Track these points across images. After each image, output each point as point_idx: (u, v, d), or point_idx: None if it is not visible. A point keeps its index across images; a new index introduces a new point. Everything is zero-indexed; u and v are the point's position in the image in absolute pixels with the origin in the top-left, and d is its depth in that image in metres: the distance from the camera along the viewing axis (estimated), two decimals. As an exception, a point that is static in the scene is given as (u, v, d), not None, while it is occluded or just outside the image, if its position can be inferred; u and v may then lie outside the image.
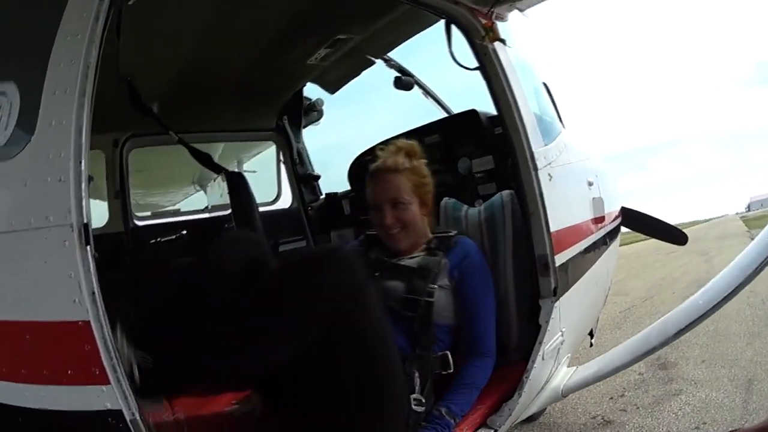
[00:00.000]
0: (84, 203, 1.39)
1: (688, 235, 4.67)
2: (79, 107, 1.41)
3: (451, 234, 2.34)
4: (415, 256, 2.26)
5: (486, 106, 3.05)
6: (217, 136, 3.87)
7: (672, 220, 4.58)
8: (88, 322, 1.36)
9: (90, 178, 1.44)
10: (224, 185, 3.02)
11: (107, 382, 1.38)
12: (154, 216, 3.80)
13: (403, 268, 2.22)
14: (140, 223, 3.49)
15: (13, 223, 1.39)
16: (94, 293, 1.37)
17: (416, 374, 1.96)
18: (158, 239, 3.47)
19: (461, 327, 2.18)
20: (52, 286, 1.39)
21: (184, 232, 3.54)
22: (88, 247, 1.38)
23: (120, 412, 1.39)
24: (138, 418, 1.42)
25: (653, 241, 5.13)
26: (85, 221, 1.38)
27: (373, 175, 2.29)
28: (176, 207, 4.33)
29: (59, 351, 1.40)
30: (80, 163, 1.40)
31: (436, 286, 2.14)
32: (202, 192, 4.33)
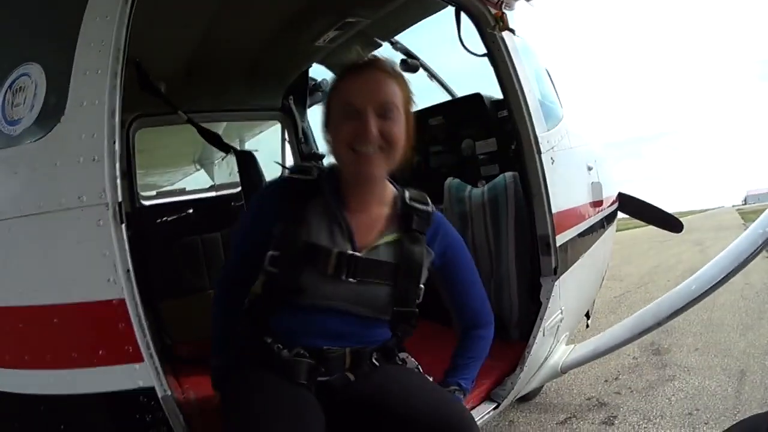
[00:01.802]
0: (118, 183, 1.40)
1: (684, 224, 4.69)
2: (112, 89, 1.42)
3: (429, 209, 1.69)
4: (390, 240, 1.63)
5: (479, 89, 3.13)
6: (223, 115, 3.88)
7: (668, 208, 4.60)
8: (123, 300, 1.37)
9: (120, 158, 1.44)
10: (232, 164, 3.06)
11: (141, 359, 1.39)
12: (159, 195, 3.82)
13: (383, 267, 1.61)
14: (147, 203, 3.54)
15: (42, 205, 1.38)
16: (129, 271, 1.39)
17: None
18: (164, 218, 3.50)
19: (455, 305, 1.81)
20: (86, 267, 1.39)
21: (191, 211, 3.58)
22: (123, 226, 1.40)
23: (152, 389, 1.41)
24: (169, 394, 1.44)
25: (648, 228, 5.10)
26: (119, 200, 1.39)
27: (354, 70, 1.55)
28: (181, 186, 4.37)
29: (91, 332, 1.40)
30: (114, 143, 1.41)
31: (423, 287, 1.68)
32: (203, 171, 4.37)
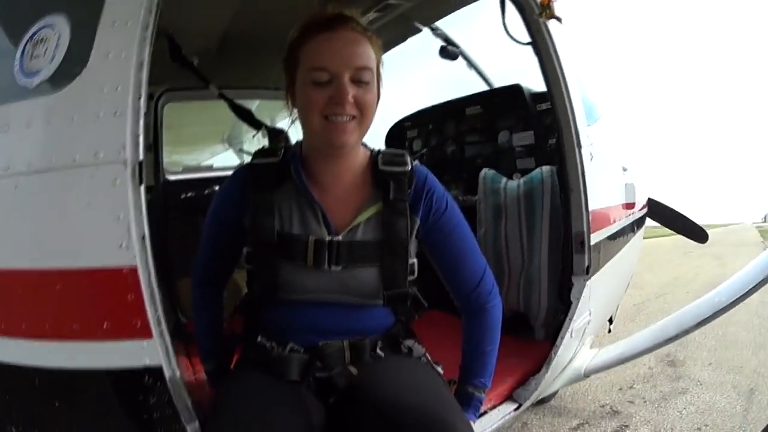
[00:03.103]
0: (140, 140, 1.26)
1: (704, 238, 4.70)
2: (141, 41, 1.29)
3: (405, 169, 1.49)
4: (370, 215, 1.46)
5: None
6: (255, 93, 3.78)
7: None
8: (135, 268, 1.23)
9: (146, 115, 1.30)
10: (263, 142, 3.02)
11: (149, 335, 1.26)
12: (185, 171, 3.78)
13: (366, 248, 1.45)
14: (171, 178, 3.47)
15: (53, 160, 1.26)
16: (144, 237, 1.25)
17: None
18: (189, 194, 3.43)
19: (446, 281, 1.60)
20: (96, 230, 1.26)
21: (216, 188, 3.53)
22: (142, 187, 1.26)
23: (160, 369, 1.28)
24: (177, 375, 1.31)
25: (670, 238, 5.09)
26: (141, 159, 1.26)
27: (324, 27, 1.34)
28: (209, 164, 4.32)
29: (97, 302, 1.27)
30: (139, 98, 1.27)
31: (415, 260, 1.52)
32: (231, 150, 4.32)
